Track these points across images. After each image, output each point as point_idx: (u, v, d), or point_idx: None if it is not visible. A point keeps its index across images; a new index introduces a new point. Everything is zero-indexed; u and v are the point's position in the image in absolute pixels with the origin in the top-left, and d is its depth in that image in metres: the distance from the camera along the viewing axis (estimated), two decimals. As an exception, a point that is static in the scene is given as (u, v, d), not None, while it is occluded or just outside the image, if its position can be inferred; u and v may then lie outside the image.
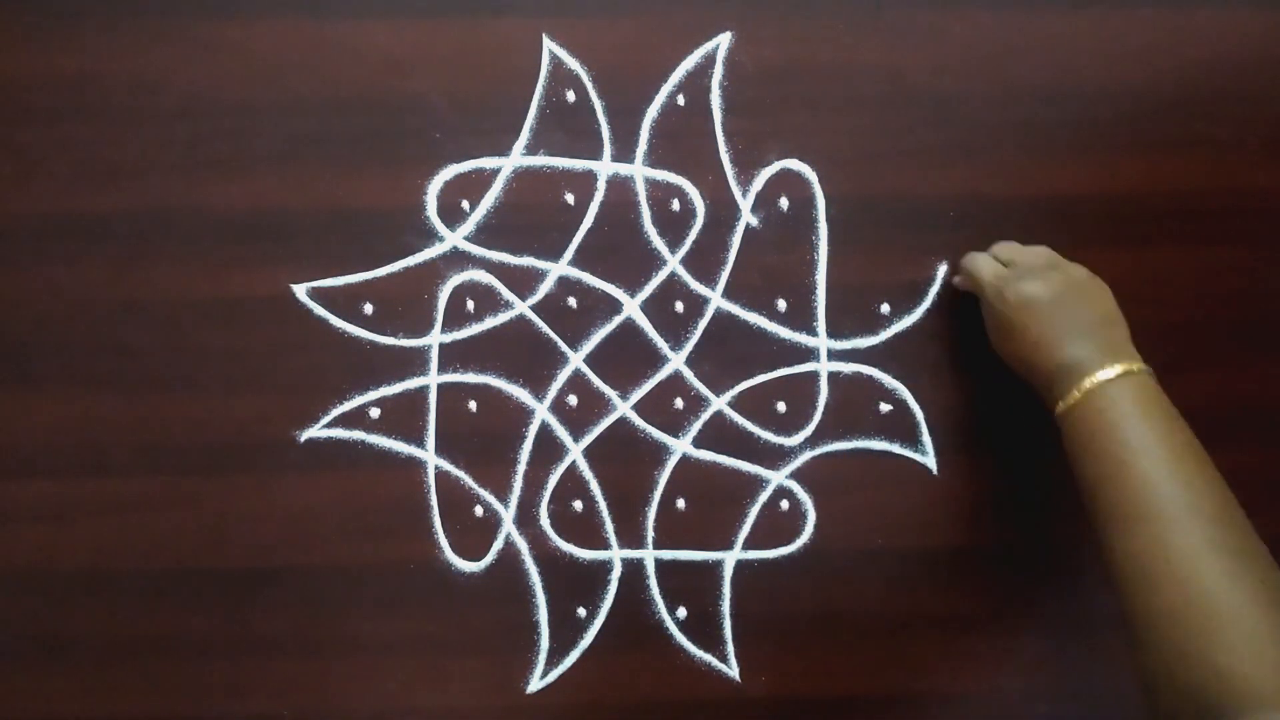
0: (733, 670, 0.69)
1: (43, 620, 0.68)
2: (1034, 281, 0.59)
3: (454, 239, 0.69)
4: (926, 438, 0.70)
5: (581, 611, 0.69)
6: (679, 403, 0.70)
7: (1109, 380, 0.54)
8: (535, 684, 0.68)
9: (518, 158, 0.69)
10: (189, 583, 0.68)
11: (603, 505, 0.69)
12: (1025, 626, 0.70)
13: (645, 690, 0.69)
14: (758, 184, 0.70)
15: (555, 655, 0.69)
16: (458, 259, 0.69)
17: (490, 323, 0.69)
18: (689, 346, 0.70)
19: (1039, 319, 0.58)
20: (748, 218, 0.70)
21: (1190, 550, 0.48)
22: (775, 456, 0.70)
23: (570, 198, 0.69)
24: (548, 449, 0.69)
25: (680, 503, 0.69)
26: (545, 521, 0.69)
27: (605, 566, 0.69)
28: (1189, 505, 0.49)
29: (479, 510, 0.69)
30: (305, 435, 0.68)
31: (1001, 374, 0.70)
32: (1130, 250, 0.70)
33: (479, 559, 0.69)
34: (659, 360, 0.70)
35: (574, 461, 0.69)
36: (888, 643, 0.70)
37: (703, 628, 0.69)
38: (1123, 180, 0.70)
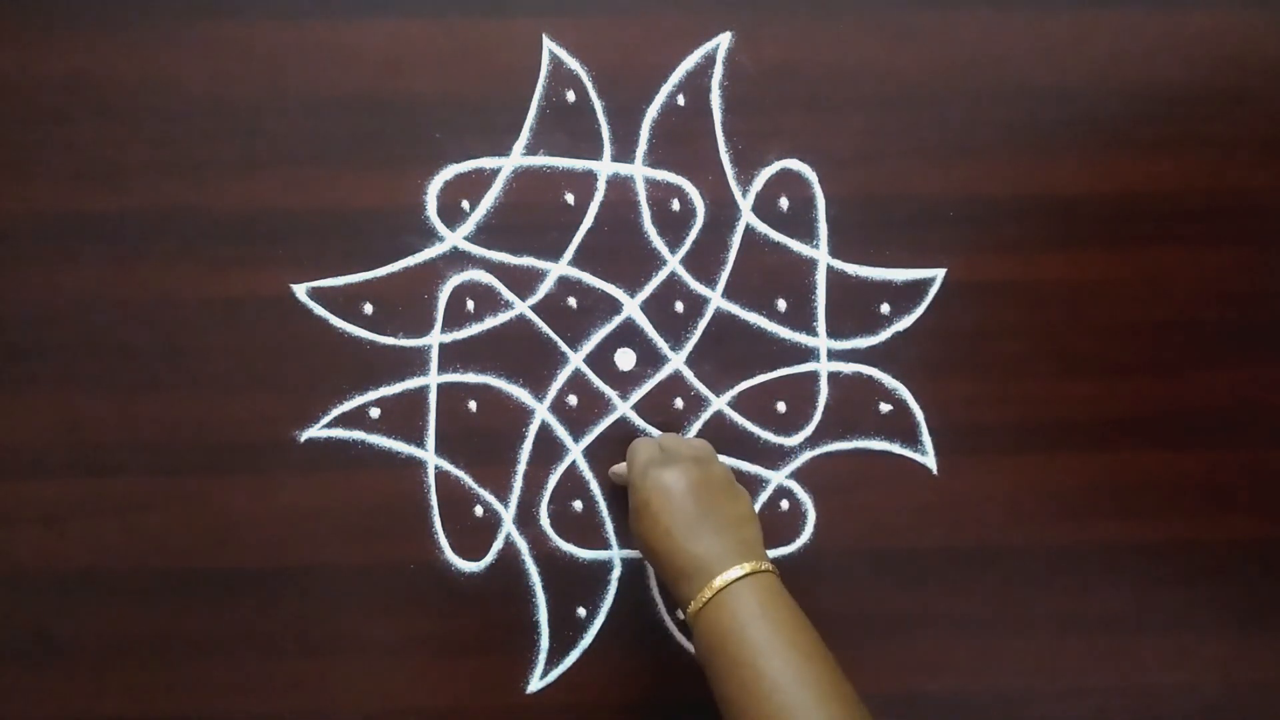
0: (733, 670, 0.69)
1: (42, 620, 0.68)
2: (672, 471, 0.58)
3: (454, 239, 0.69)
4: (926, 438, 0.70)
5: (581, 611, 0.69)
6: (679, 403, 0.70)
7: (737, 580, 0.54)
8: (535, 684, 0.68)
9: (518, 158, 0.69)
10: (189, 583, 0.68)
11: (603, 505, 0.69)
12: (1025, 626, 0.70)
13: (645, 690, 0.69)
14: (758, 184, 0.70)
15: (555, 655, 0.69)
16: (458, 259, 0.69)
17: (490, 323, 0.69)
18: (689, 346, 0.70)
19: (675, 506, 0.57)
20: (748, 218, 0.70)
21: None
22: (775, 456, 0.70)
23: (570, 198, 0.69)
24: (548, 449, 0.69)
25: (680, 503, 0.69)
26: (545, 521, 0.69)
27: (605, 566, 0.69)
28: (818, 709, 0.50)
29: (479, 510, 0.69)
30: (305, 435, 0.68)
31: (1001, 374, 0.70)
32: (1130, 250, 0.70)
33: (479, 559, 0.69)
34: (659, 360, 0.70)
35: (574, 461, 0.69)
36: (887, 643, 0.70)
37: (703, 628, 0.69)
38: (1123, 180, 0.70)
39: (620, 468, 0.67)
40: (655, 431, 0.69)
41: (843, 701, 0.51)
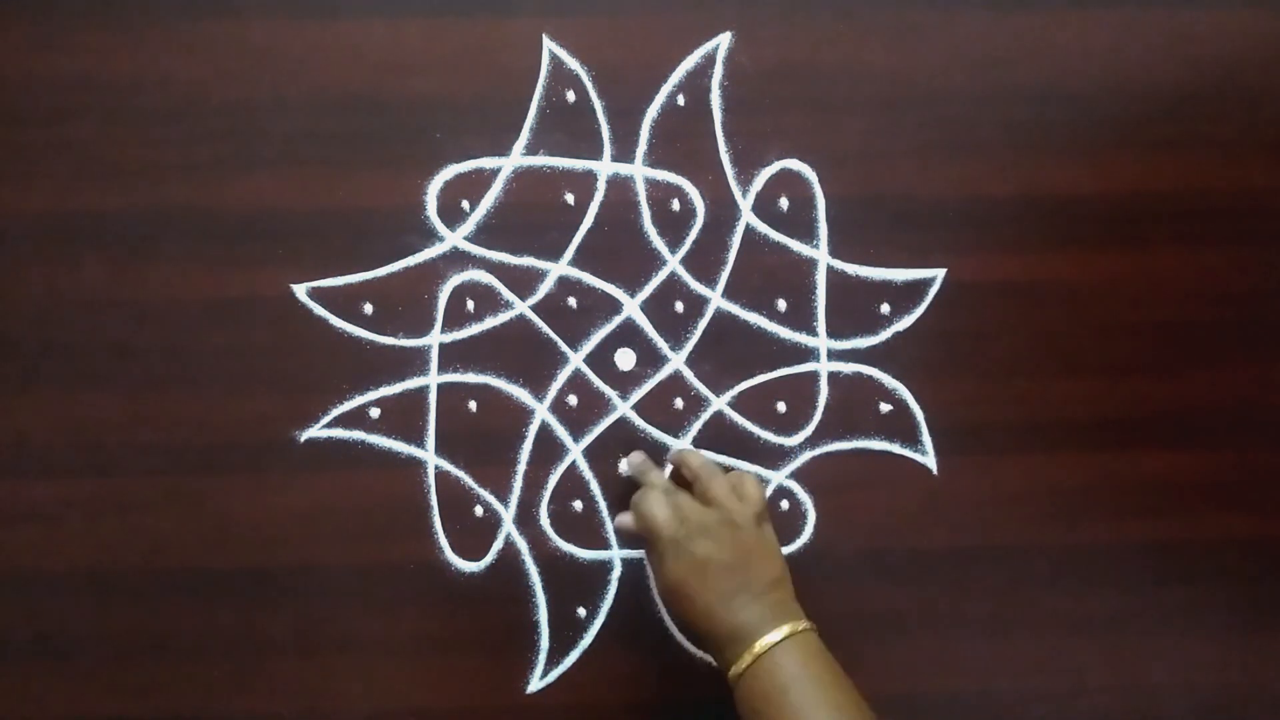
0: (733, 670, 0.69)
1: (42, 620, 0.68)
2: (708, 542, 0.57)
3: (454, 239, 0.69)
4: (926, 438, 0.70)
5: (581, 611, 0.69)
6: (679, 403, 0.70)
7: (777, 643, 0.54)
8: (535, 684, 0.68)
9: (518, 158, 0.69)
10: (189, 583, 0.68)
11: (603, 505, 0.69)
12: (1025, 626, 0.70)
13: (645, 690, 0.69)
14: (758, 184, 0.70)
15: (555, 655, 0.69)
16: (458, 259, 0.69)
17: (490, 323, 0.69)
18: (689, 346, 0.70)
19: (711, 583, 0.56)
20: (748, 218, 0.70)
21: None
22: (775, 456, 0.70)
23: (570, 198, 0.69)
24: (548, 449, 0.69)
25: (680, 503, 0.69)
26: (545, 521, 0.69)
27: (605, 566, 0.69)
28: None
29: (479, 510, 0.69)
30: (305, 435, 0.68)
31: (1001, 374, 0.70)
32: (1130, 250, 0.70)
33: (479, 559, 0.69)
34: (659, 360, 0.70)
35: (574, 461, 0.69)
36: (887, 642, 0.70)
37: (703, 628, 0.69)
38: (1123, 180, 0.70)
39: (626, 520, 0.64)
40: (656, 432, 0.69)
41: None
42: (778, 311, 0.70)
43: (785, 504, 0.70)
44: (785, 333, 0.70)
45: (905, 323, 0.70)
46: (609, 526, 0.69)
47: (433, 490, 0.69)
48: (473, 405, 0.69)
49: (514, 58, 0.69)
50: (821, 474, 0.70)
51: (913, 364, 0.70)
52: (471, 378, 0.69)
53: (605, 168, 0.69)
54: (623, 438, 0.69)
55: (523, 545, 0.69)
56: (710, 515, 0.59)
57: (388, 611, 0.68)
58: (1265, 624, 0.71)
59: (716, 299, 0.70)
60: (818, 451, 0.70)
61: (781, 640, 0.54)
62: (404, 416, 0.69)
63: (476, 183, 0.69)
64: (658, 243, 0.70)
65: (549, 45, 0.69)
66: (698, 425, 0.70)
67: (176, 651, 0.68)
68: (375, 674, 0.68)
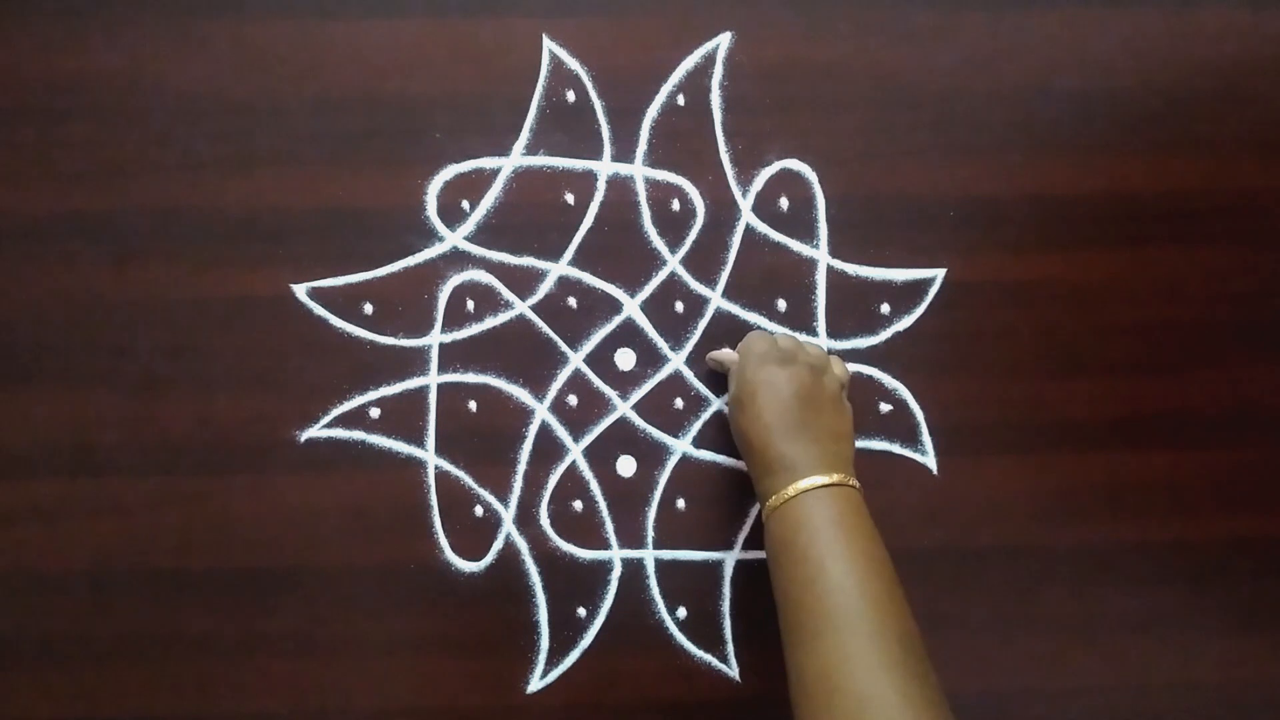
0: (733, 670, 0.69)
1: (42, 620, 0.68)
2: (787, 371, 0.59)
3: (454, 239, 0.69)
4: (926, 438, 0.70)
5: (581, 611, 0.69)
6: (679, 403, 0.70)
7: (820, 487, 0.55)
8: (535, 684, 0.68)
9: (518, 158, 0.69)
10: (189, 583, 0.68)
11: (603, 505, 0.69)
12: (1025, 626, 0.70)
13: (645, 690, 0.69)
14: (758, 184, 0.70)
15: (555, 655, 0.69)
16: (458, 259, 0.69)
17: (490, 323, 0.69)
18: (689, 346, 0.70)
19: (776, 406, 0.58)
20: (748, 218, 0.70)
21: (871, 664, 0.50)
22: (775, 456, 0.70)
23: (570, 198, 0.69)
24: (548, 449, 0.69)
25: (680, 503, 0.69)
26: (545, 521, 0.69)
27: (605, 566, 0.69)
28: (874, 621, 0.51)
29: (479, 510, 0.69)
30: (305, 435, 0.68)
31: (1001, 374, 0.70)
32: (1130, 250, 0.70)
33: (479, 559, 0.69)
34: (659, 360, 0.70)
35: (574, 461, 0.69)
36: (888, 643, 0.70)
37: (703, 628, 0.69)
38: (1123, 180, 0.70)
39: (721, 354, 0.67)
40: (655, 432, 0.69)
41: (898, 616, 0.52)
42: (778, 311, 0.70)
43: (785, 504, 0.70)
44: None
45: (905, 323, 0.70)
46: (609, 526, 0.69)
47: (433, 490, 0.69)
48: (473, 405, 0.69)
49: (514, 58, 0.69)
50: (821, 474, 0.70)
51: (913, 364, 0.70)
52: (471, 378, 0.69)
53: (605, 168, 0.69)
54: (623, 438, 0.69)
55: (523, 545, 0.69)
56: (802, 353, 0.61)
57: (387, 611, 0.68)
58: (1266, 624, 0.71)
59: (716, 299, 0.70)
60: (818, 451, 0.70)
61: (825, 485, 0.55)
62: (404, 416, 0.69)
63: (476, 183, 0.69)
64: (658, 243, 0.70)
65: (549, 45, 0.69)
66: (698, 425, 0.70)
67: (176, 651, 0.68)
68: (375, 674, 0.68)
